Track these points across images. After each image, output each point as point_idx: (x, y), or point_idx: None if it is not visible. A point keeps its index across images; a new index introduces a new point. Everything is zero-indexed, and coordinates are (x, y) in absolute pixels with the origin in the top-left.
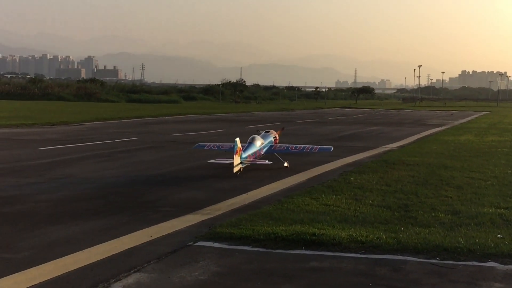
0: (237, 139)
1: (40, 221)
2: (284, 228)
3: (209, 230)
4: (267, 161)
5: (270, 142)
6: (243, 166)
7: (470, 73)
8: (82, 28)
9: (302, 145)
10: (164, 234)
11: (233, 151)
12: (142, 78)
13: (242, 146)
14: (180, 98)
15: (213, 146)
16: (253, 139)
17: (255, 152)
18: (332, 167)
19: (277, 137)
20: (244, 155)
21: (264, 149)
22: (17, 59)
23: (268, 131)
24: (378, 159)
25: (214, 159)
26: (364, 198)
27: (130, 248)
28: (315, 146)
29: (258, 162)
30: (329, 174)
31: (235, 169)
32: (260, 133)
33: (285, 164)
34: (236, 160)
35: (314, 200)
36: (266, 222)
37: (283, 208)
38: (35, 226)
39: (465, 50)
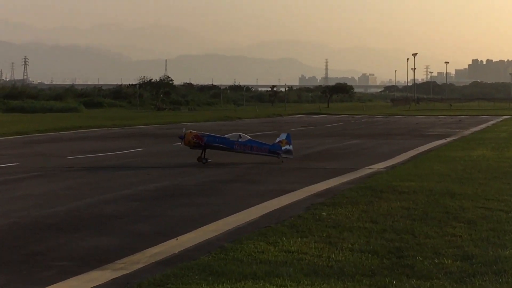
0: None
1: None
2: (229, 287)
3: None
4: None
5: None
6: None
7: (484, 63)
8: None
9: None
10: None
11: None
12: (26, 77)
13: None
14: (80, 104)
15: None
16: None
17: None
18: (295, 199)
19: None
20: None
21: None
22: None
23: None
24: (359, 185)
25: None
26: (340, 241)
27: None
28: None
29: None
30: (292, 208)
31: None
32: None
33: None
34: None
35: (272, 245)
36: (204, 279)
37: (228, 257)
38: None
39: (477, 33)
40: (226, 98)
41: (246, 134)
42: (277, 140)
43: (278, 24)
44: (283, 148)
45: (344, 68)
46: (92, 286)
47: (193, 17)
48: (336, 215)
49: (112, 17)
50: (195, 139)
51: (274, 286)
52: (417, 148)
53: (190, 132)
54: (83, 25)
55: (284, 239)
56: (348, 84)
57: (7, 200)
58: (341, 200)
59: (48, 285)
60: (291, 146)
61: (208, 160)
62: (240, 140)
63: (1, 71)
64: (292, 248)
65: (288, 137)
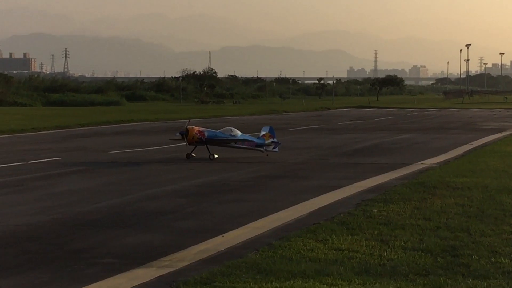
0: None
1: None
2: (278, 285)
3: None
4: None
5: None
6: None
7: None
8: None
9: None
10: None
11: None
12: (66, 70)
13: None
14: (122, 98)
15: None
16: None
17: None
18: (344, 195)
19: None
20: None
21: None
22: None
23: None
24: (411, 181)
25: None
26: (393, 239)
27: None
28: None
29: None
30: (341, 205)
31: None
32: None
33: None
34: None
35: (321, 243)
36: (251, 277)
37: (276, 255)
38: None
39: None
40: (271, 91)
41: (293, 128)
42: (261, 133)
43: (325, 14)
44: (266, 142)
45: (394, 59)
46: (137, 283)
47: (238, 7)
48: (387, 212)
49: (154, 7)
50: (198, 135)
51: (324, 285)
52: (471, 143)
53: (192, 127)
54: (124, 15)
55: (334, 236)
56: (399, 76)
57: (49, 195)
58: (392, 197)
59: (92, 283)
60: (275, 139)
61: (215, 156)
62: (232, 134)
63: (41, 63)
64: (342, 246)
65: (271, 130)
